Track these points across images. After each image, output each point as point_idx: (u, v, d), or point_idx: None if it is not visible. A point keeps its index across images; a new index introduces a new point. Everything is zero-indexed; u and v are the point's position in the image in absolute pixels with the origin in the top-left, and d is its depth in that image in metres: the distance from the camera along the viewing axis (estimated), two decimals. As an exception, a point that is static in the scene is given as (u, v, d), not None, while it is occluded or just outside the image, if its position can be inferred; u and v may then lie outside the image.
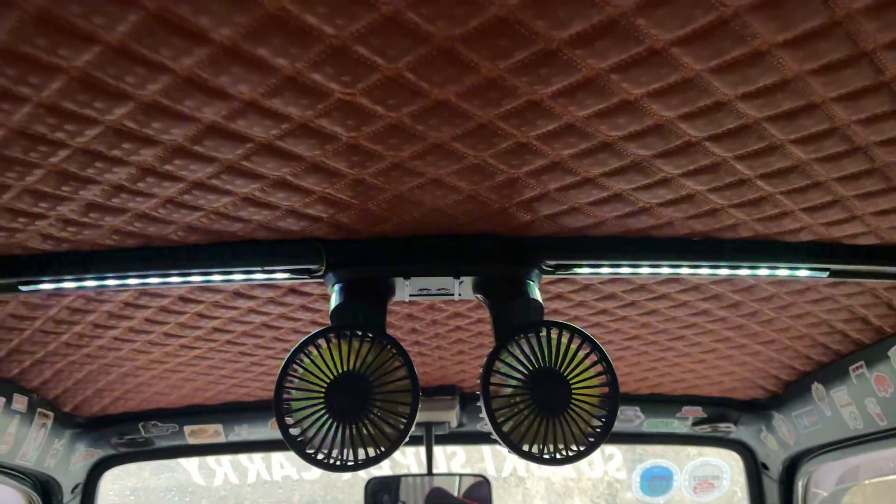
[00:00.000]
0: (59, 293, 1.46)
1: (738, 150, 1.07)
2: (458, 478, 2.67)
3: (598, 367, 1.31)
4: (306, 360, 1.28)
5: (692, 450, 4.50)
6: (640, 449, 4.65)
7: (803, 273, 1.42)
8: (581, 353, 1.30)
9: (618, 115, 0.98)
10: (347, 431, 1.23)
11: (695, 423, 2.57)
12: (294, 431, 1.25)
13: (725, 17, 0.80)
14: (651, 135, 1.03)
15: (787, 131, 1.02)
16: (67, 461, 2.31)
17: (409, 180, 1.14)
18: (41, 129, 0.94)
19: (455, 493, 2.55)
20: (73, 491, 2.41)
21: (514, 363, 1.30)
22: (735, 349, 2.04)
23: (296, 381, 1.27)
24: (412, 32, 0.81)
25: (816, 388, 2.13)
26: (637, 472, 4.54)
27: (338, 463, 1.24)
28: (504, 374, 1.29)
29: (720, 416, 2.53)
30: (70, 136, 0.96)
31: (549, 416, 1.27)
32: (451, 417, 2.49)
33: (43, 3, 0.74)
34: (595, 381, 1.30)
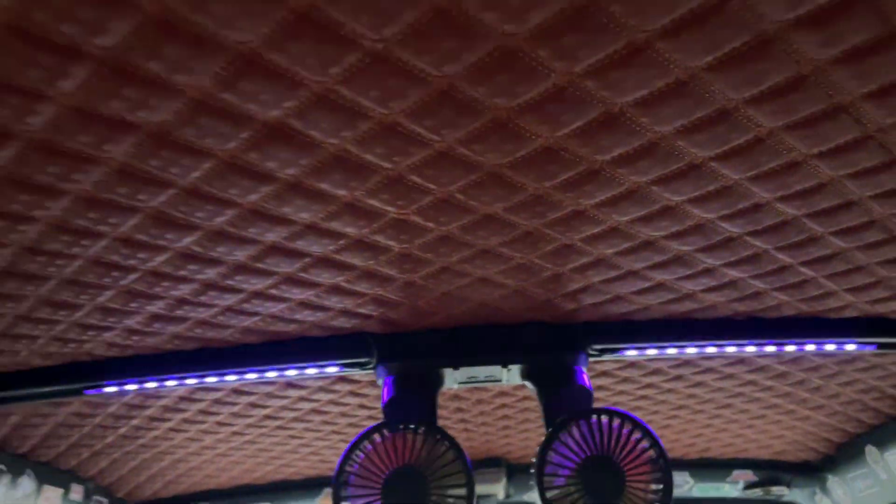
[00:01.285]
0: (119, 393, 1.52)
1: (779, 242, 1.10)
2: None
3: (651, 453, 1.32)
4: (362, 454, 1.30)
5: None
6: None
7: (851, 347, 1.42)
8: (633, 439, 1.31)
9: (660, 219, 1.02)
10: None
11: (746, 487, 2.52)
12: None
13: (761, 137, 0.84)
14: (692, 234, 1.06)
15: (825, 225, 1.05)
16: None
17: (457, 280, 1.18)
18: (115, 257, 1.00)
19: None
20: (126, 575, 2.43)
21: (567, 452, 1.31)
22: (784, 415, 2.03)
23: (355, 475, 1.30)
24: (463, 163, 0.86)
25: (870, 450, 2.10)
26: None
27: None
28: (556, 465, 1.31)
29: (772, 479, 2.49)
30: (141, 262, 1.02)
31: None
32: (499, 490, 2.48)
33: (127, 159, 0.80)
34: (648, 468, 1.31)
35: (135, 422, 1.71)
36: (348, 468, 1.30)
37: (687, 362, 1.64)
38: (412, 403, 1.37)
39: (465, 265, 1.13)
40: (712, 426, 2.16)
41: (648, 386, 1.79)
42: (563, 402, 1.37)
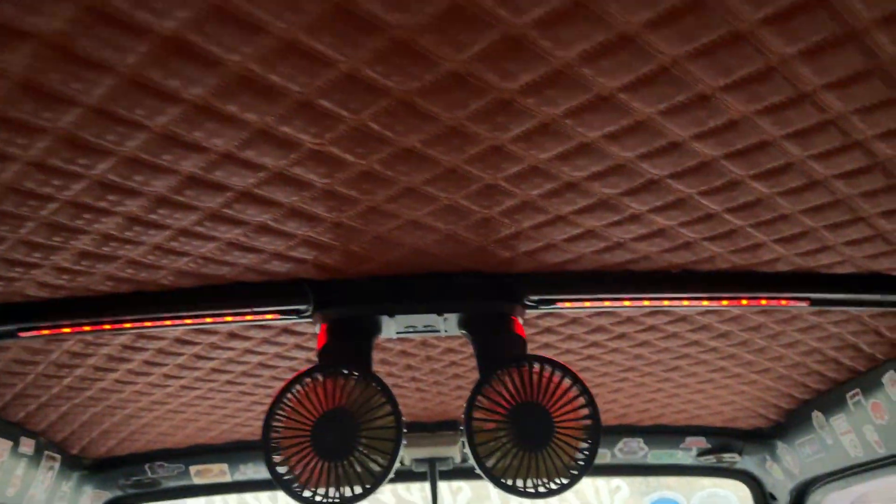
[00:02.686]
0: (58, 338, 1.51)
1: (701, 185, 1.11)
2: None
3: (581, 400, 1.33)
4: (293, 399, 1.31)
5: (706, 481, 4.43)
6: (653, 481, 4.60)
7: (784, 303, 1.44)
8: (563, 386, 1.33)
9: (578, 157, 1.02)
10: (333, 469, 1.26)
11: (699, 454, 2.56)
12: (282, 470, 1.28)
13: (665, 65, 0.84)
14: (614, 174, 1.07)
15: (744, 167, 1.06)
16: (76, 503, 2.34)
17: (386, 222, 1.18)
18: (30, 184, 0.99)
19: None
20: (82, 533, 2.43)
21: (498, 398, 1.32)
22: (731, 379, 2.05)
23: (283, 419, 1.31)
24: (370, 88, 0.86)
25: (816, 416, 2.13)
26: None
27: (325, 501, 1.27)
28: (487, 410, 1.32)
29: (724, 446, 2.52)
30: (57, 189, 1.01)
31: (533, 450, 1.29)
32: (455, 452, 2.50)
33: (25, 73, 0.79)
34: (578, 414, 1.32)
35: (79, 371, 1.71)
36: (279, 411, 1.30)
37: (630, 320, 1.65)
38: (346, 350, 1.37)
39: (392, 205, 1.14)
40: (663, 391, 2.18)
41: (594, 345, 1.81)
42: (497, 349, 1.38)
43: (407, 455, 2.50)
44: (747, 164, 1.05)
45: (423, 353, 1.84)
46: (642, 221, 1.21)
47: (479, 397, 1.32)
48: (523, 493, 1.29)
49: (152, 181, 1.02)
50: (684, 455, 2.57)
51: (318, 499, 1.27)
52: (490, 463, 1.29)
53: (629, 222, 1.21)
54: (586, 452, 1.30)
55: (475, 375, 2.03)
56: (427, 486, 2.59)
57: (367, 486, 1.27)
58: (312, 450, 1.28)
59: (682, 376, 2.05)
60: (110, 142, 0.92)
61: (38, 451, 2.05)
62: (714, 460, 2.56)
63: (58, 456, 2.14)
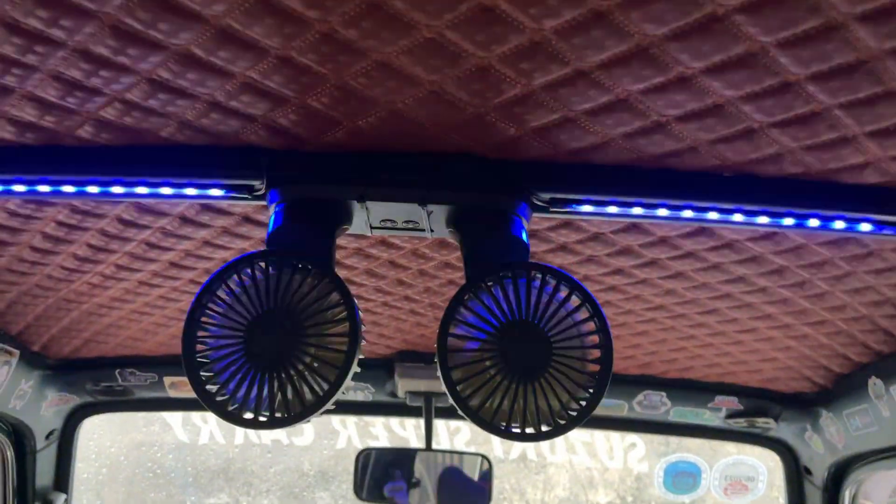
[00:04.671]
0: None
1: (781, 31, 0.79)
2: (466, 457, 2.46)
3: (590, 326, 1.05)
4: (229, 291, 1.05)
5: (731, 446, 4.13)
6: (673, 442, 4.32)
7: (866, 227, 1.12)
8: (570, 307, 1.04)
9: None
10: (267, 383, 1.01)
11: (729, 416, 2.26)
12: (210, 387, 1.03)
13: None
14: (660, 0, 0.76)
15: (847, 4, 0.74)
16: (37, 405, 2.16)
17: (349, 61, 0.89)
18: None
19: (474, 476, 2.33)
20: (47, 437, 2.27)
21: (484, 312, 1.04)
22: (777, 330, 1.74)
23: (216, 315, 1.05)
24: None
25: (874, 383, 1.81)
26: (661, 466, 4.19)
27: (252, 419, 1.02)
28: (470, 326, 1.04)
29: (759, 409, 2.22)
30: None
31: (523, 381, 1.02)
32: (452, 388, 2.25)
33: None
34: (585, 341, 1.04)
35: (12, 250, 1.48)
36: (208, 309, 1.05)
37: (664, 241, 1.35)
38: (301, 236, 1.10)
39: (352, 31, 0.84)
40: (695, 339, 1.89)
41: (618, 273, 1.51)
42: (490, 253, 1.09)
43: (401, 387, 2.27)
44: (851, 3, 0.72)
45: (415, 265, 1.56)
46: (692, 87, 0.90)
47: (462, 309, 1.05)
48: (506, 434, 1.02)
49: None
50: (712, 416, 2.28)
51: (246, 416, 1.02)
52: (466, 391, 1.02)
53: (675, 88, 0.90)
54: (591, 391, 1.02)
55: None
56: (422, 422, 2.37)
57: (301, 410, 1.01)
58: (244, 358, 1.02)
59: (718, 322, 1.74)
60: None
61: None
62: (745, 424, 2.26)
63: (15, 351, 1.95)
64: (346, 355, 1.01)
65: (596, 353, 1.03)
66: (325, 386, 1.01)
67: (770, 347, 1.87)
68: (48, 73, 0.94)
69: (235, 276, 1.05)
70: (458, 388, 1.02)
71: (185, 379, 2.37)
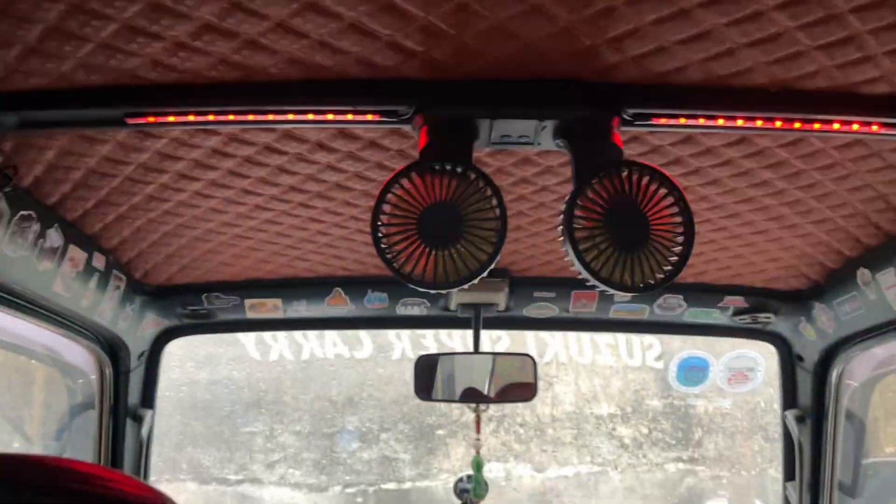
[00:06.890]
0: (155, 134, 1.53)
1: None
2: (513, 357, 2.78)
3: (675, 208, 1.38)
4: (398, 194, 1.35)
5: (727, 343, 4.58)
6: (686, 342, 4.80)
7: (875, 128, 1.46)
8: (659, 193, 1.37)
9: None
10: (441, 255, 1.32)
11: (735, 314, 2.62)
12: (389, 255, 1.34)
13: None
14: None
15: None
16: (136, 327, 2.43)
17: (511, 5, 1.19)
18: None
19: (521, 373, 2.60)
20: (139, 358, 2.54)
21: (596, 201, 1.37)
22: (786, 230, 2.09)
23: (390, 208, 1.35)
24: None
25: (862, 273, 2.16)
26: (674, 362, 4.69)
27: (430, 282, 1.33)
28: (586, 209, 1.36)
29: (760, 306, 2.58)
30: None
31: (629, 251, 1.35)
32: (500, 300, 2.58)
33: None
34: (672, 219, 1.37)
35: (164, 178, 1.74)
36: (385, 201, 1.35)
37: (709, 151, 1.67)
38: (449, 148, 1.40)
39: None
40: (714, 242, 2.22)
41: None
42: (595, 155, 1.41)
43: (453, 300, 2.58)
44: None
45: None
46: (762, 19, 1.21)
47: (580, 199, 1.37)
48: (622, 287, 1.36)
49: None
50: (721, 314, 2.64)
51: (426, 280, 1.33)
52: (589, 258, 1.35)
53: (749, 20, 1.21)
54: (680, 253, 1.36)
55: (535, 229, 2.08)
56: (468, 333, 2.69)
57: (471, 272, 1.33)
58: (419, 238, 1.33)
59: (738, 225, 2.08)
60: None
61: (108, 269, 2.10)
62: (749, 320, 2.62)
63: (123, 277, 2.21)
64: (499, 234, 1.33)
65: (680, 227, 1.37)
66: (484, 257, 1.33)
67: (777, 248, 2.23)
68: (273, 21, 1.21)
69: (404, 179, 1.35)
70: (583, 256, 1.34)
71: (264, 300, 2.66)
